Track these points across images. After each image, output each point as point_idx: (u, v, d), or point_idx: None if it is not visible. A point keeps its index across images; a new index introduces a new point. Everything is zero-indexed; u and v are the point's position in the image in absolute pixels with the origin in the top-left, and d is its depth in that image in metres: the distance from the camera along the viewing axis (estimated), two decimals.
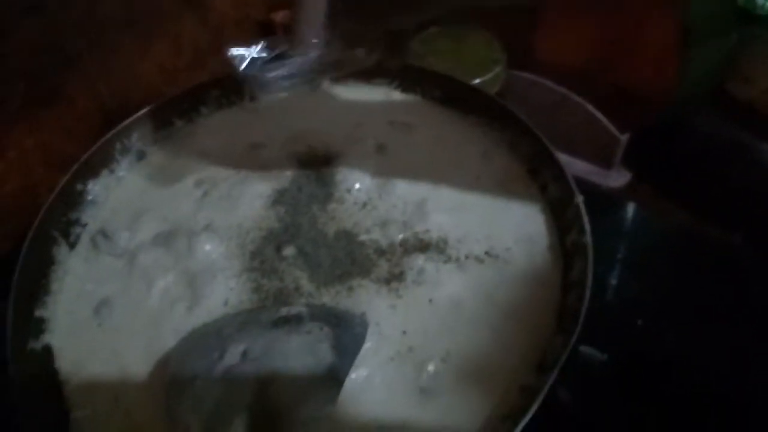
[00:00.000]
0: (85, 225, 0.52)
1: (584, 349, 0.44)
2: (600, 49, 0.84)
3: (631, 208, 0.72)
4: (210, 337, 0.41)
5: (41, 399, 0.41)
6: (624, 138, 0.88)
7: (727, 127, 0.82)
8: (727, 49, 0.76)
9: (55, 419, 0.40)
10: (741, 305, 0.53)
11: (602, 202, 0.73)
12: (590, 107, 0.88)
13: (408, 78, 0.59)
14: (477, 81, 0.68)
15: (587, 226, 0.44)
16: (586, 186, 0.83)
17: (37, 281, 0.47)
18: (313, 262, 0.47)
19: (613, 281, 0.57)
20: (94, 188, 0.53)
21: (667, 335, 0.50)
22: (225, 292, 0.46)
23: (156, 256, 0.48)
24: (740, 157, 0.80)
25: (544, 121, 0.89)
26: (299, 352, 0.39)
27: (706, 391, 0.44)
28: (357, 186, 0.51)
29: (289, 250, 0.47)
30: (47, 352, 0.44)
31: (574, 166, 0.93)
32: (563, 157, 0.94)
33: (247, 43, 0.51)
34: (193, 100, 0.59)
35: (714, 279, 0.57)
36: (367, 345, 0.41)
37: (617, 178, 0.92)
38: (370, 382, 0.40)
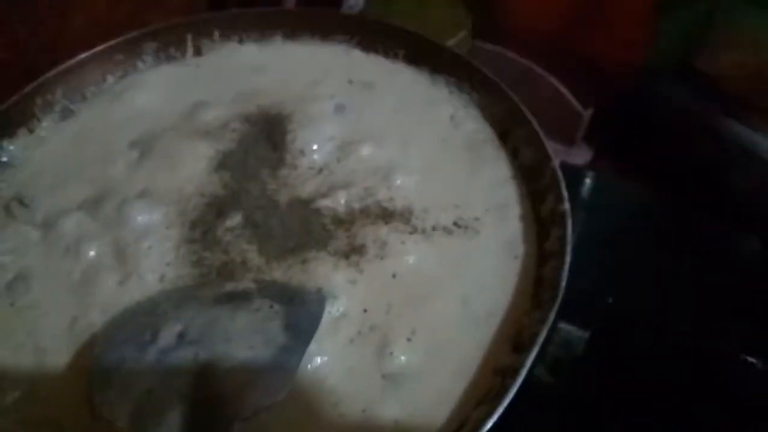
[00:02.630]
0: None
1: (564, 325, 0.40)
2: (567, 18, 0.81)
3: (589, 179, 0.69)
4: (141, 316, 0.36)
5: None
6: (587, 113, 0.86)
7: (691, 102, 0.80)
8: (696, 21, 0.74)
9: None
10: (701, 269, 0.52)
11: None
12: (555, 81, 0.86)
13: (369, 34, 0.54)
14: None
15: (564, 192, 0.40)
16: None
17: None
18: (262, 233, 0.41)
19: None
20: (9, 148, 0.46)
21: (639, 310, 0.48)
22: (161, 266, 0.40)
23: (81, 224, 0.42)
24: (704, 132, 0.79)
25: None
26: (245, 333, 0.33)
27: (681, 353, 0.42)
28: (313, 148, 0.46)
29: (235, 220, 0.42)
30: None
31: None
32: None
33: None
34: (128, 53, 0.53)
35: (675, 249, 0.55)
36: (324, 325, 0.36)
37: (579, 155, 0.90)
38: (327, 367, 0.35)
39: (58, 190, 0.45)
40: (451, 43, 0.65)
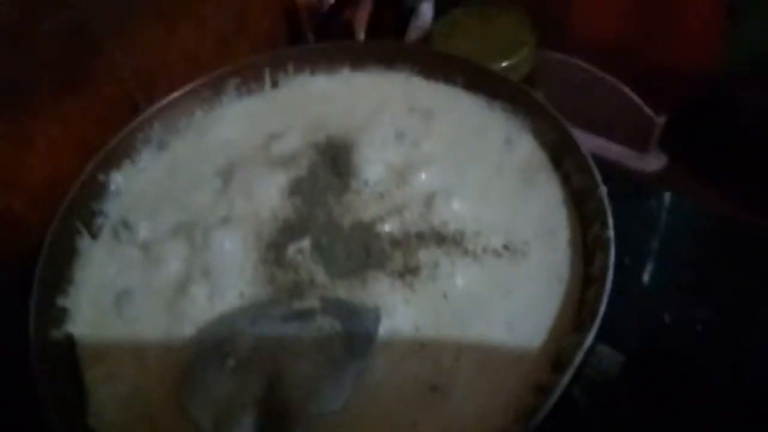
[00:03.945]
0: (107, 216, 0.52)
1: (602, 348, 0.42)
2: (636, 24, 0.80)
3: (666, 197, 0.68)
4: (223, 330, 0.42)
5: (63, 388, 0.42)
6: (660, 120, 0.85)
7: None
8: None
9: (75, 407, 0.41)
10: None
11: (634, 188, 0.70)
12: (625, 88, 0.85)
13: (429, 63, 0.57)
14: (504, 64, 0.66)
15: (610, 220, 0.42)
16: (619, 171, 0.81)
17: (60, 271, 0.47)
18: (328, 254, 0.46)
19: (644, 274, 0.55)
20: (117, 178, 0.54)
21: (695, 331, 0.48)
22: (241, 284, 0.46)
23: (174, 246, 0.48)
24: None
25: (576, 102, 0.87)
26: (309, 350, 0.38)
27: (729, 392, 0.42)
28: (373, 176, 0.50)
29: (304, 243, 0.47)
30: (68, 341, 0.45)
31: (608, 149, 0.90)
32: (596, 141, 0.92)
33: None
34: (214, 89, 0.59)
35: (750, 272, 0.55)
36: (380, 341, 0.41)
37: (653, 162, 0.89)
38: (380, 380, 0.40)
39: (155, 215, 0.51)
40: (514, 60, 0.67)
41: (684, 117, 0.84)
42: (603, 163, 0.83)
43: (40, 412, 0.39)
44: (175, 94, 0.57)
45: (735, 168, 0.80)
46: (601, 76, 0.86)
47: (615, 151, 0.89)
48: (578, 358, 0.36)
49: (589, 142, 0.88)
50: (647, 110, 0.85)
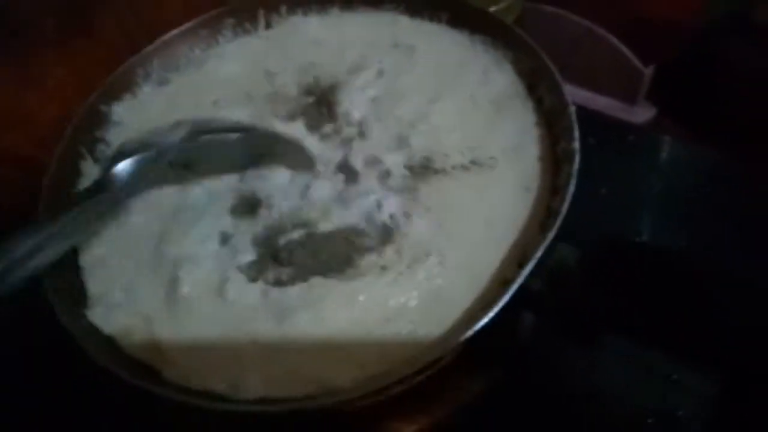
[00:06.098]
0: (109, 143, 0.56)
1: (562, 245, 0.45)
2: None
3: (648, 138, 0.70)
4: None
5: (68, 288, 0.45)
6: (648, 71, 0.86)
7: (754, 57, 0.79)
8: None
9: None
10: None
11: (618, 132, 0.72)
12: (614, 40, 0.87)
13: (415, 1, 0.60)
14: (492, 9, 0.68)
15: (576, 133, 0.45)
16: (606, 121, 0.83)
17: (65, 190, 0.51)
18: None
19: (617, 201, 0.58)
20: (118, 110, 0.57)
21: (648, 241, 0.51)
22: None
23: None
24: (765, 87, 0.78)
25: (566, 54, 0.89)
26: None
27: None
28: (355, 115, 0.53)
29: None
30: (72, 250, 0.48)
31: (597, 101, 0.92)
32: (585, 93, 0.93)
33: None
34: (210, 29, 0.62)
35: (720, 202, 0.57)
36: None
37: (641, 113, 0.91)
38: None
39: None
40: (500, 7, 0.70)
41: (671, 69, 0.86)
42: (591, 114, 0.86)
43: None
44: (174, 32, 0.60)
45: (721, 118, 0.82)
46: (590, 28, 0.88)
47: (603, 102, 0.91)
48: (539, 253, 0.39)
49: (577, 94, 0.90)
50: (635, 61, 0.87)
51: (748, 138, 0.74)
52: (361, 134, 0.52)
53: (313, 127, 0.53)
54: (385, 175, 0.49)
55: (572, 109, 0.47)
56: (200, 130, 0.44)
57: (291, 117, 0.54)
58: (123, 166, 0.42)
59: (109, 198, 0.42)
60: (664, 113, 0.89)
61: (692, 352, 0.43)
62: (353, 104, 0.54)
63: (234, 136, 0.45)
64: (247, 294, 0.43)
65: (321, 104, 0.55)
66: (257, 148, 0.49)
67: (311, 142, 0.51)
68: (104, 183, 0.42)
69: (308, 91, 0.57)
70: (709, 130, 0.78)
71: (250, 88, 0.58)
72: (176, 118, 0.56)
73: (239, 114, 0.54)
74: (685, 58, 0.85)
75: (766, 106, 0.76)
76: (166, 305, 0.44)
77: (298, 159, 0.49)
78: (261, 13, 0.63)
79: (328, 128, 0.53)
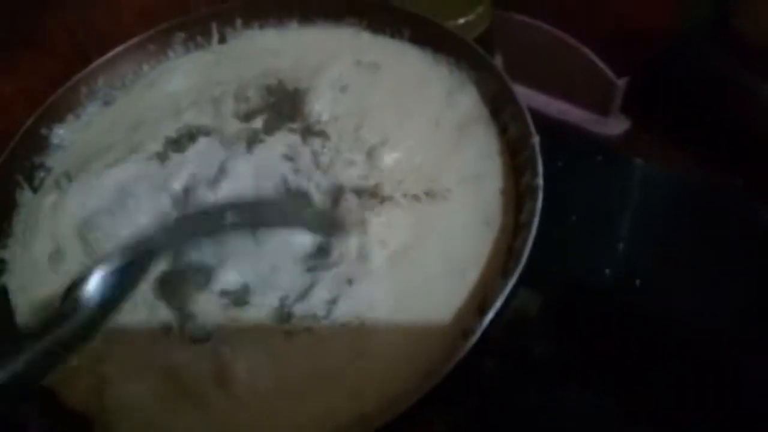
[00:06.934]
0: (50, 169, 0.52)
1: (523, 290, 0.43)
2: None
3: (621, 159, 0.68)
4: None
5: None
6: (622, 83, 0.84)
7: (730, 69, 0.78)
8: None
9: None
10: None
11: (589, 151, 0.70)
12: (586, 50, 0.85)
13: (377, 17, 0.57)
14: (461, 21, 0.66)
15: (540, 168, 0.43)
16: (580, 135, 0.81)
17: None
18: None
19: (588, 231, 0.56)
20: (59, 132, 0.53)
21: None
22: None
23: None
24: (744, 98, 0.77)
25: (538, 65, 0.86)
26: None
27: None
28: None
29: None
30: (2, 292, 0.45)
31: (571, 113, 0.90)
32: (558, 104, 0.91)
33: None
34: (160, 43, 0.58)
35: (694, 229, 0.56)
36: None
37: (615, 126, 0.89)
38: None
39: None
40: (469, 18, 0.67)
41: (645, 80, 0.84)
42: (564, 127, 0.83)
43: None
44: (120, 48, 0.56)
45: (697, 129, 0.80)
46: (562, 39, 0.85)
47: (577, 114, 0.89)
48: (498, 303, 0.37)
49: (550, 105, 0.88)
50: (608, 73, 0.85)
51: (725, 149, 0.73)
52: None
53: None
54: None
55: (536, 140, 0.44)
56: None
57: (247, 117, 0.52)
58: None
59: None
60: (639, 125, 0.87)
61: (653, 405, 0.41)
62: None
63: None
64: None
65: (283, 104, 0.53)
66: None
67: None
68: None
69: (270, 92, 0.54)
70: (685, 141, 0.77)
71: (199, 98, 0.55)
72: (120, 139, 0.53)
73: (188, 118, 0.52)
74: (661, 69, 0.83)
75: (743, 115, 0.75)
76: None
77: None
78: (214, 26, 0.59)
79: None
